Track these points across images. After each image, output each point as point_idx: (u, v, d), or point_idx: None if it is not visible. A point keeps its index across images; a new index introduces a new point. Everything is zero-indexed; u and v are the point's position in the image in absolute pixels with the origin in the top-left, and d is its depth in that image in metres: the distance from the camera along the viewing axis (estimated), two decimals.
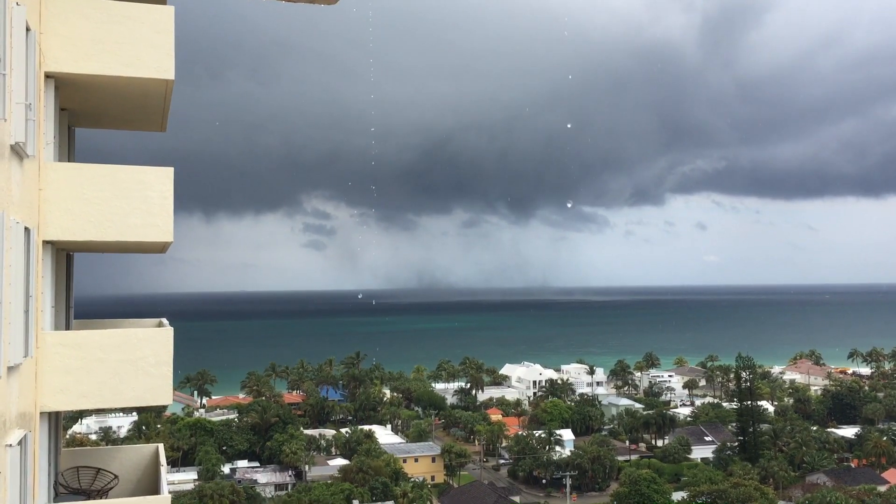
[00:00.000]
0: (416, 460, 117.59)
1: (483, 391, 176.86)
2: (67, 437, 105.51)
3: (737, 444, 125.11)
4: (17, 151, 11.15)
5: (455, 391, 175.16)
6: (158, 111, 16.21)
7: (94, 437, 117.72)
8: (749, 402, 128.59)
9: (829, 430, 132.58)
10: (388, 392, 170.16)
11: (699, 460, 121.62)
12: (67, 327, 16.19)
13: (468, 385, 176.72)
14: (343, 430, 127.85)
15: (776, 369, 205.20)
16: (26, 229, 11.63)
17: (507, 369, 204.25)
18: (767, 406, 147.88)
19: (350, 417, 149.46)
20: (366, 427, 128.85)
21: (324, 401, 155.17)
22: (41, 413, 13.09)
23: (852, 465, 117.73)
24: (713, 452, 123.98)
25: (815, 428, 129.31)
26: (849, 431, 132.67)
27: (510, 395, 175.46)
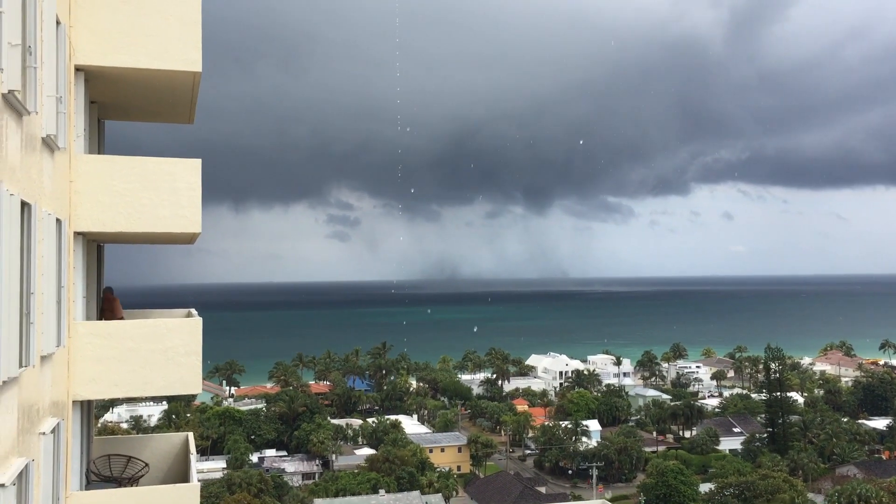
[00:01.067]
0: (443, 450, 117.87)
1: (509, 381, 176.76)
2: (99, 425, 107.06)
3: (766, 435, 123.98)
4: (49, 144, 11.28)
5: (481, 381, 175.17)
6: (186, 103, 16.33)
7: (125, 425, 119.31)
8: (778, 394, 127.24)
9: (859, 421, 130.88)
10: (414, 382, 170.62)
11: (727, 452, 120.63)
12: (99, 318, 16.40)
13: (494, 375, 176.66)
14: (370, 420, 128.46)
15: (806, 360, 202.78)
16: (58, 221, 11.77)
17: (533, 360, 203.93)
18: (797, 397, 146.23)
19: (377, 407, 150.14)
20: (392, 417, 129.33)
21: (350, 391, 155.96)
22: (73, 402, 13.29)
23: (883, 457, 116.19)
24: (742, 444, 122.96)
25: (845, 419, 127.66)
26: (880, 423, 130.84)
27: (536, 385, 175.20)
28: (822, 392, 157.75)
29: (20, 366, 9.29)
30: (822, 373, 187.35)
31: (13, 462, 9.00)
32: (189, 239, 15.50)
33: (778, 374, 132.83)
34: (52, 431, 11.17)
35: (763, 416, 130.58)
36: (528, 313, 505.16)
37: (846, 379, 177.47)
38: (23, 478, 9.30)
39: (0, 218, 8.09)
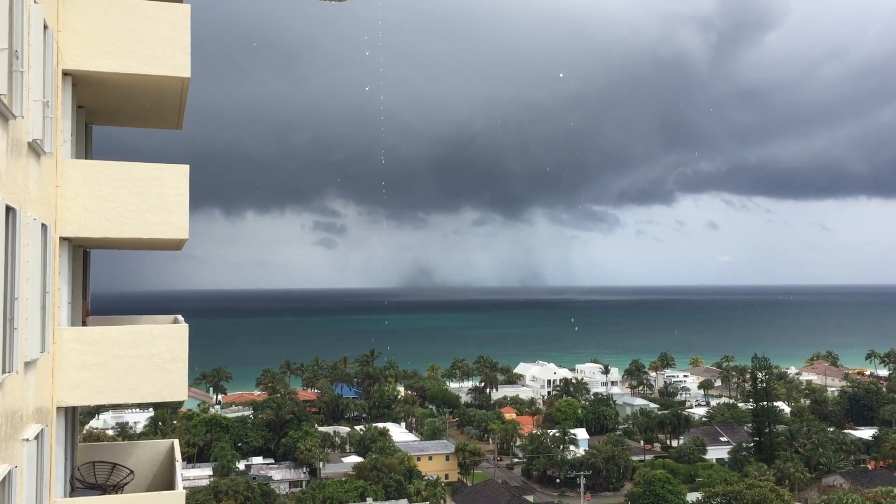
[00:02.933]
0: (430, 458, 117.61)
1: (497, 390, 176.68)
2: (84, 432, 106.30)
3: (752, 444, 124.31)
4: (35, 148, 11.23)
5: (469, 390, 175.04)
6: (175, 109, 16.30)
7: (110, 432, 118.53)
8: (765, 403, 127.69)
9: (845, 431, 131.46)
10: (402, 390, 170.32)
11: (714, 461, 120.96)
12: (84, 324, 16.30)
13: (482, 384, 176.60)
14: (357, 428, 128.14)
15: (792, 370, 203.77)
16: (43, 226, 11.72)
17: (521, 368, 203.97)
18: (783, 407, 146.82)
19: (364, 415, 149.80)
20: (380, 425, 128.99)
21: (338, 398, 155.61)
22: (58, 408, 13.20)
23: (869, 467, 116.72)
24: (728, 453, 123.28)
25: (831, 429, 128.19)
26: (866, 433, 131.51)
27: (524, 394, 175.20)
28: (808, 402, 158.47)
29: (3, 371, 9.23)
30: (809, 382, 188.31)
31: None
32: (176, 245, 15.45)
33: (764, 384, 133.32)
34: (36, 438, 11.09)
35: (750, 425, 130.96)
36: (514, 321, 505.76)
37: (832, 389, 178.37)
38: (6, 485, 9.23)
39: None
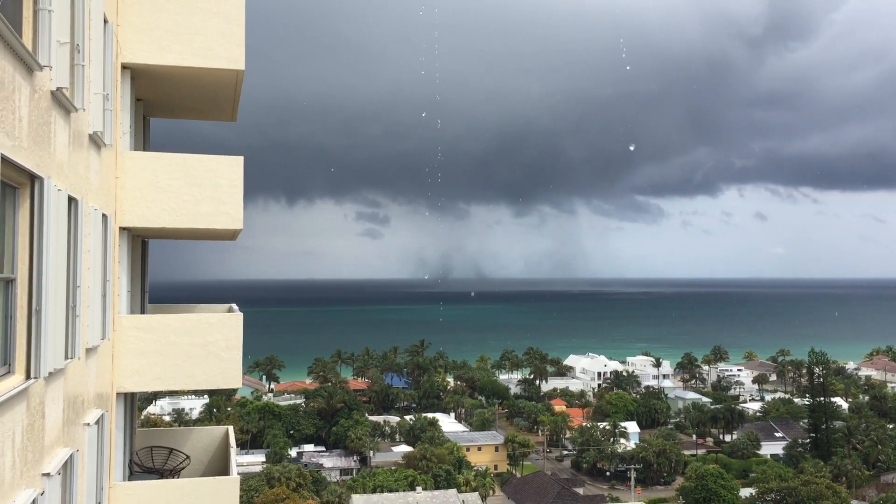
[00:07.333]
0: (480, 449, 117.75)
1: (547, 382, 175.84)
2: (142, 417, 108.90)
3: (808, 441, 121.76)
4: (95, 140, 11.48)
5: (518, 381, 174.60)
6: (229, 101, 16.49)
7: (167, 418, 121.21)
8: (822, 399, 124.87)
9: None
10: (451, 380, 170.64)
11: (769, 456, 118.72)
12: (142, 312, 16.65)
13: (532, 375, 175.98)
14: (407, 418, 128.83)
15: (851, 365, 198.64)
16: (104, 216, 11.98)
17: (571, 360, 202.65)
18: (841, 403, 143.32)
19: (414, 405, 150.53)
20: (429, 415, 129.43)
21: (388, 388, 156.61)
22: (117, 394, 13.51)
23: None
24: (783, 449, 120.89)
25: (891, 426, 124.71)
26: None
27: (574, 386, 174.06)
28: (867, 398, 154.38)
29: (66, 358, 9.47)
30: (868, 378, 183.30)
31: (59, 452, 9.18)
32: (231, 235, 15.66)
33: (822, 379, 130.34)
34: (97, 423, 11.37)
35: (806, 421, 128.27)
36: (560, 313, 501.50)
37: (893, 385, 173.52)
38: (68, 467, 9.48)
39: (48, 212, 8.25)
